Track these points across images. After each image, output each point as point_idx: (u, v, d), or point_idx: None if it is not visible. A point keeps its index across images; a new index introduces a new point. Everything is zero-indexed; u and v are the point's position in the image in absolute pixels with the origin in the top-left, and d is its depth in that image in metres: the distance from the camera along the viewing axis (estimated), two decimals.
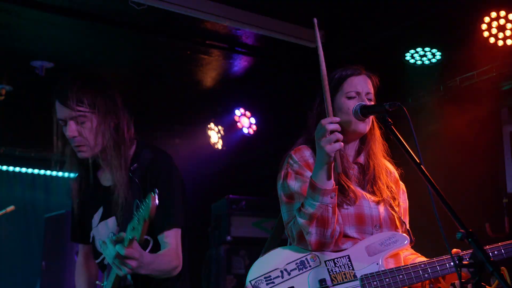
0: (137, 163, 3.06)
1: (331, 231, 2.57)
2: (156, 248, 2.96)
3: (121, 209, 3.00)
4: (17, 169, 9.05)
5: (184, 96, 7.32)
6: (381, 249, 2.66)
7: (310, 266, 2.62)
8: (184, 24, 5.49)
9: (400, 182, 3.01)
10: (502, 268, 2.29)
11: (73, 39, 5.86)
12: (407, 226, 2.91)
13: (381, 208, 2.78)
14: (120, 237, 2.64)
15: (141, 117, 8.16)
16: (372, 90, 2.87)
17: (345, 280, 2.59)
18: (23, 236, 8.57)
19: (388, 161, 2.99)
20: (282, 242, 2.95)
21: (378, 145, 2.92)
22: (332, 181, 2.55)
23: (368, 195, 2.79)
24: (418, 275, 2.62)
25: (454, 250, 2.64)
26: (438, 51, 5.79)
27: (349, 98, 2.81)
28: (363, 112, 2.71)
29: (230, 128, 7.73)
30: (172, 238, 3.00)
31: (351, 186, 2.75)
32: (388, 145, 2.97)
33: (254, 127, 7.57)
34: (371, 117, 2.84)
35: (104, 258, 3.05)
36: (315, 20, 2.60)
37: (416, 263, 2.66)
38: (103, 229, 3.10)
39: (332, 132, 2.46)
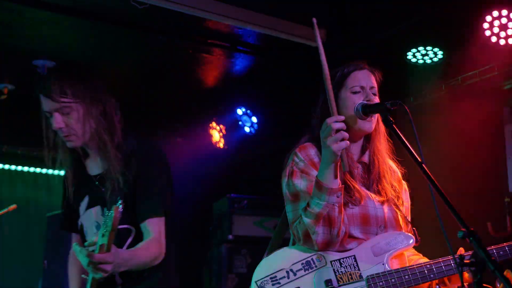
0: (122, 150, 3.03)
1: (337, 230, 2.57)
2: (139, 236, 2.94)
3: (102, 198, 2.99)
4: (19, 167, 9.05)
5: (186, 95, 7.32)
6: (387, 249, 2.65)
7: (316, 266, 2.61)
8: (186, 23, 5.49)
9: (403, 181, 3.00)
10: (507, 270, 2.29)
11: (75, 38, 5.87)
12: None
13: (386, 208, 2.77)
14: (92, 243, 2.63)
15: (143, 116, 8.20)
16: (376, 85, 2.86)
17: (351, 281, 2.59)
18: (25, 234, 8.57)
19: (392, 160, 2.97)
20: (284, 241, 2.94)
21: (383, 143, 2.91)
22: (338, 180, 2.55)
23: (373, 195, 2.77)
24: (424, 275, 2.61)
25: (461, 248, 2.64)
26: (440, 50, 5.79)
27: (354, 93, 2.79)
28: (365, 111, 2.70)
29: (232, 127, 7.73)
30: (155, 227, 2.95)
31: (356, 186, 2.74)
32: (392, 144, 2.97)
33: (255, 126, 7.57)
34: (376, 115, 2.82)
35: None
36: (314, 20, 2.59)
37: (421, 263, 2.66)
38: (88, 218, 3.09)
39: (337, 131, 2.45)
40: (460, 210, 2.16)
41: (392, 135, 2.63)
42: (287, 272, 2.62)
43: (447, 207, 2.17)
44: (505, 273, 2.12)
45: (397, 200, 2.84)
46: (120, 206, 2.55)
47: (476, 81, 5.69)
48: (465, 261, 2.04)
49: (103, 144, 2.99)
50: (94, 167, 3.11)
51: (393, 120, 2.50)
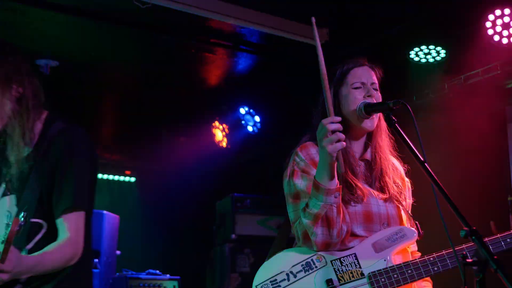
0: (43, 137, 2.82)
1: (336, 231, 2.55)
2: (53, 231, 2.70)
3: (17, 187, 2.77)
4: None
5: (189, 94, 7.33)
6: (388, 244, 2.64)
7: (316, 267, 2.60)
8: (189, 22, 5.50)
9: (406, 179, 2.99)
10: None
11: (77, 37, 5.88)
12: None
13: (389, 206, 2.76)
14: None
15: (146, 116, 8.21)
16: (376, 81, 2.86)
17: (352, 279, 2.57)
18: None
19: (395, 156, 2.97)
20: (290, 240, 2.93)
21: (385, 140, 2.89)
22: (336, 181, 2.53)
23: (376, 193, 2.76)
24: (427, 268, 2.60)
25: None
26: (442, 49, 5.79)
27: (355, 88, 2.79)
28: (367, 110, 2.70)
29: (235, 126, 7.74)
30: (71, 224, 2.69)
31: (359, 184, 2.73)
32: (394, 141, 2.96)
33: (258, 125, 7.57)
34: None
35: None
36: (313, 19, 2.58)
37: (424, 256, 2.65)
38: (1, 206, 2.85)
39: (333, 132, 2.44)
40: (463, 209, 2.16)
41: (394, 133, 2.63)
42: (287, 274, 2.61)
43: (449, 205, 2.17)
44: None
45: (400, 197, 2.83)
46: (22, 219, 2.40)
47: (479, 80, 5.68)
48: (467, 260, 2.04)
49: (12, 132, 2.77)
50: (11, 153, 2.82)
51: (396, 119, 2.50)
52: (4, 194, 2.84)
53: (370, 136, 2.89)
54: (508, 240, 2.68)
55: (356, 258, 2.61)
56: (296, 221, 2.69)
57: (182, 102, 7.52)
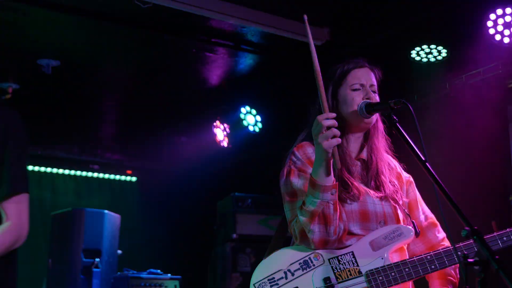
0: None
1: (333, 228, 2.56)
2: None
3: None
4: None
5: (190, 94, 7.33)
6: (385, 243, 2.64)
7: (314, 265, 2.60)
8: (190, 22, 5.51)
9: (406, 175, 2.99)
10: None
11: (79, 37, 5.88)
12: (426, 216, 2.93)
13: (385, 204, 2.77)
14: None
15: (147, 115, 8.21)
16: (375, 83, 2.87)
17: (350, 277, 2.58)
18: (29, 233, 8.58)
19: (391, 156, 2.98)
20: (286, 240, 2.94)
21: (381, 140, 2.91)
22: (332, 177, 2.54)
23: (372, 192, 2.77)
24: (424, 267, 2.61)
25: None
26: (443, 48, 5.78)
27: (354, 90, 2.80)
28: (368, 109, 2.70)
29: (236, 125, 7.74)
30: (12, 210, 2.71)
31: (354, 183, 2.73)
32: (391, 140, 2.97)
33: (259, 124, 7.57)
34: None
35: None
36: (305, 17, 2.59)
37: (422, 255, 2.65)
38: None
39: (328, 128, 2.45)
40: (464, 208, 2.16)
41: (392, 130, 2.63)
42: (285, 272, 2.61)
43: (450, 205, 2.17)
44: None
45: (396, 195, 2.83)
46: None
47: (480, 79, 5.67)
48: (469, 260, 2.04)
49: None
50: None
51: (397, 118, 2.50)
52: None
53: (367, 137, 2.90)
54: (505, 238, 2.69)
55: (354, 257, 2.62)
56: (293, 219, 2.70)
57: (183, 101, 7.53)
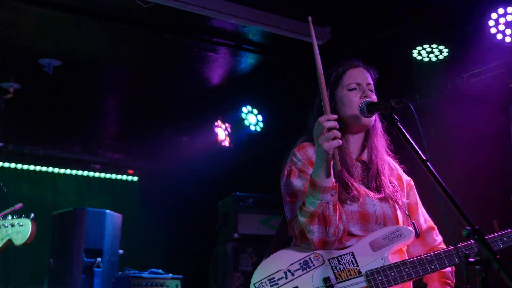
0: None
1: (333, 229, 2.56)
2: None
3: None
4: (25, 166, 9.08)
5: (191, 93, 7.33)
6: (385, 243, 2.64)
7: (313, 265, 2.61)
8: (191, 21, 5.50)
9: (406, 178, 3.00)
10: None
11: (80, 37, 5.88)
12: (423, 217, 2.93)
13: (385, 206, 2.77)
14: None
15: (149, 115, 8.21)
16: (372, 82, 2.87)
17: (349, 277, 2.58)
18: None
19: (391, 156, 2.98)
20: (287, 240, 2.94)
21: (380, 140, 2.91)
22: (332, 179, 2.54)
23: (372, 193, 2.77)
24: (424, 267, 2.61)
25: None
26: (445, 47, 5.78)
27: (350, 90, 2.81)
28: (369, 109, 2.70)
29: (237, 125, 7.74)
30: None
31: (354, 184, 2.74)
32: (391, 140, 2.97)
33: (261, 124, 7.57)
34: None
35: None
36: (310, 18, 2.59)
37: (421, 255, 2.65)
38: None
39: (330, 129, 2.45)
40: (466, 208, 2.16)
41: (391, 130, 2.62)
42: (285, 272, 2.62)
43: (452, 205, 2.17)
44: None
45: (396, 196, 2.83)
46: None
47: (482, 78, 5.67)
48: (470, 259, 2.04)
49: None
50: None
51: (398, 118, 2.50)
52: None
53: (367, 138, 2.90)
54: (505, 239, 2.69)
55: (354, 257, 2.62)
56: (293, 220, 2.69)
57: (184, 101, 7.53)
